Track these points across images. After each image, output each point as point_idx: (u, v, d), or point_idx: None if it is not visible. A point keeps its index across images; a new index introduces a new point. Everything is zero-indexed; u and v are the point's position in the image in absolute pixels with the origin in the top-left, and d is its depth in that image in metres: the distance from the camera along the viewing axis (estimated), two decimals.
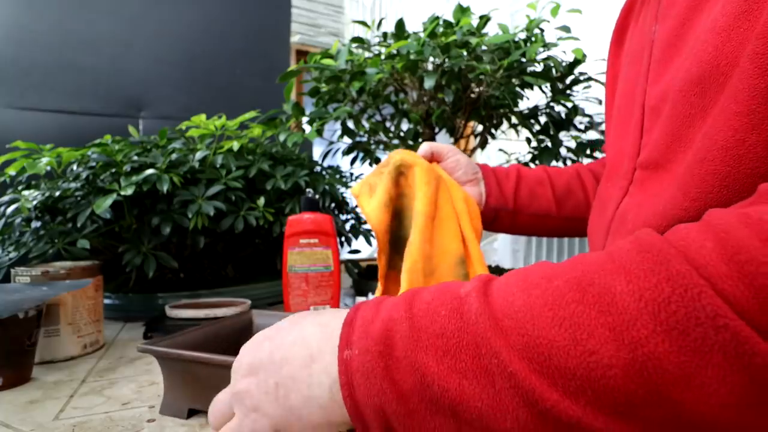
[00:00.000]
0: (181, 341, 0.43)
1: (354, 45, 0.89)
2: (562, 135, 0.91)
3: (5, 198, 0.76)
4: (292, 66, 1.10)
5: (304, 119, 0.90)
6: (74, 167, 0.79)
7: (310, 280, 0.66)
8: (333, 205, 0.94)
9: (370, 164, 0.98)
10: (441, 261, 0.54)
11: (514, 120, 0.93)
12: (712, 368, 0.20)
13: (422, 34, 0.83)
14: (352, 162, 0.99)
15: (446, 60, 0.78)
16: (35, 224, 0.74)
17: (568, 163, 0.93)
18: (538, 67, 0.83)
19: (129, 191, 0.67)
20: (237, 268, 0.95)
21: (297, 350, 0.28)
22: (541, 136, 0.92)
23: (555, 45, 0.81)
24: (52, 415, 0.41)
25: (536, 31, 0.83)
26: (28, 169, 0.70)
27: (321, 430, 0.28)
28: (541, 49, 0.80)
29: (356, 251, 1.02)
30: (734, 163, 0.30)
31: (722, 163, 0.30)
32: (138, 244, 0.73)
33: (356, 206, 1.04)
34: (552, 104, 0.91)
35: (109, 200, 0.67)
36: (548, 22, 0.84)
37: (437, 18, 0.83)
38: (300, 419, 0.27)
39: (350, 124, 0.94)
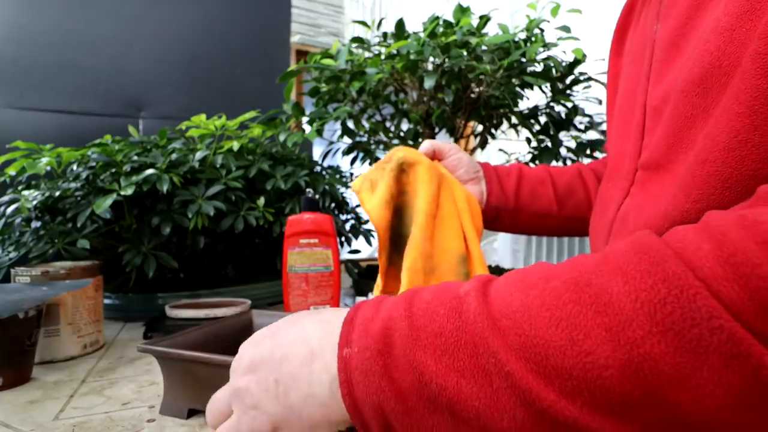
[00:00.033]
0: (181, 341, 0.43)
1: (354, 45, 0.89)
2: (562, 135, 0.91)
3: (5, 198, 0.76)
4: (292, 66, 1.10)
5: (304, 119, 0.90)
6: (74, 167, 0.79)
7: (310, 280, 0.66)
8: (333, 205, 0.94)
9: (370, 164, 0.98)
10: (442, 259, 0.53)
11: (514, 120, 0.93)
12: (708, 369, 0.20)
13: (422, 34, 0.83)
14: (352, 162, 0.99)
15: (446, 60, 0.78)
16: (35, 224, 0.74)
17: (568, 163, 0.93)
18: (538, 67, 0.83)
19: (129, 191, 0.67)
20: (237, 268, 0.95)
21: (297, 348, 0.29)
22: (541, 136, 0.92)
23: (555, 45, 0.81)
24: (52, 415, 0.41)
25: (536, 31, 0.83)
26: (28, 169, 0.70)
27: (320, 428, 0.28)
28: (541, 49, 0.80)
29: (356, 251, 1.02)
30: (736, 164, 0.29)
31: (724, 165, 0.30)
32: (138, 244, 0.73)
33: (356, 206, 1.04)
34: (552, 104, 0.91)
35: (109, 200, 0.67)
36: (548, 22, 0.84)
37: (437, 18, 0.83)
38: (300, 417, 0.27)
39: (350, 124, 0.94)
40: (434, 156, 0.63)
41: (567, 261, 0.25)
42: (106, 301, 0.76)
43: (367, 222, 1.03)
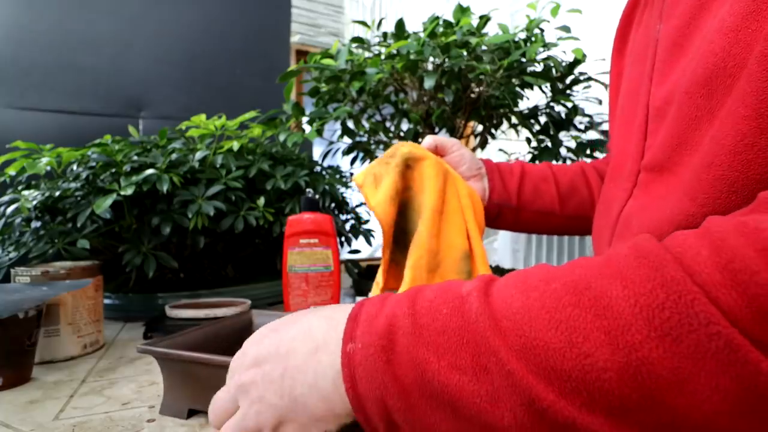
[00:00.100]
0: (181, 341, 0.43)
1: (354, 45, 0.89)
2: (562, 135, 0.91)
3: (5, 198, 0.76)
4: (292, 66, 1.10)
5: (304, 119, 0.90)
6: (74, 167, 0.79)
7: (310, 280, 0.66)
8: (333, 205, 0.94)
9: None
10: (446, 255, 0.53)
11: (514, 120, 0.93)
12: (705, 375, 0.20)
13: (422, 34, 0.83)
14: (352, 162, 0.99)
15: (446, 60, 0.78)
16: (35, 224, 0.74)
17: (569, 163, 0.93)
18: (538, 67, 0.83)
19: (129, 191, 0.67)
20: (237, 268, 0.95)
21: (302, 342, 0.29)
22: (541, 136, 0.92)
23: (555, 45, 0.81)
24: (52, 415, 0.41)
25: (536, 31, 0.83)
26: (28, 169, 0.70)
27: (325, 421, 0.28)
28: (541, 49, 0.80)
29: (356, 251, 1.02)
30: (742, 168, 0.29)
31: (730, 168, 0.30)
32: (138, 244, 0.73)
33: (356, 206, 1.04)
34: (552, 104, 0.91)
35: (109, 200, 0.67)
36: (548, 22, 0.84)
37: (437, 18, 0.83)
38: (305, 409, 0.28)
39: (350, 124, 0.94)
40: (436, 152, 0.63)
41: (567, 263, 0.26)
42: (106, 301, 0.76)
43: (367, 222, 1.03)
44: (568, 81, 0.88)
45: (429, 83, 0.75)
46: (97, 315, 0.60)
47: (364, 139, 0.95)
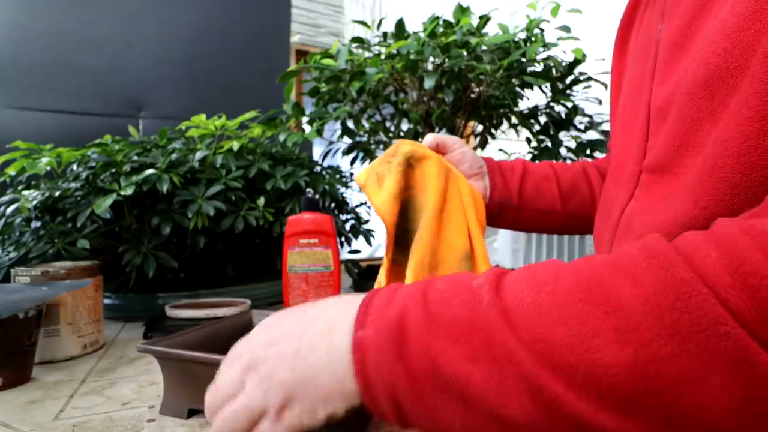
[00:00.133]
0: (181, 341, 0.43)
1: (354, 45, 0.89)
2: (562, 135, 0.91)
3: (5, 198, 0.76)
4: (292, 66, 1.10)
5: (304, 119, 0.91)
6: (74, 167, 0.79)
7: (310, 280, 0.66)
8: (333, 205, 0.94)
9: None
10: (447, 255, 0.53)
11: (514, 120, 0.93)
12: (714, 374, 0.20)
13: (422, 34, 0.83)
14: (352, 162, 0.99)
15: (446, 60, 0.78)
16: (35, 224, 0.74)
17: (569, 162, 0.93)
18: (538, 67, 0.83)
19: (129, 191, 0.67)
20: (237, 268, 0.95)
21: (318, 322, 0.29)
22: (541, 136, 0.92)
23: (555, 45, 0.81)
24: (52, 415, 0.41)
25: (536, 31, 0.83)
26: (28, 169, 0.70)
27: (333, 400, 0.28)
28: (541, 49, 0.80)
29: (356, 251, 1.02)
30: (746, 170, 0.29)
31: (733, 171, 0.30)
32: (138, 244, 0.73)
33: (356, 206, 1.04)
34: (552, 104, 0.91)
35: (109, 200, 0.67)
36: (548, 22, 0.84)
37: (437, 18, 0.83)
38: (315, 387, 0.28)
39: (350, 124, 0.94)
40: (438, 150, 0.63)
41: (577, 260, 0.26)
42: (106, 301, 0.76)
43: (367, 222, 1.03)
44: (568, 81, 0.88)
45: (429, 83, 0.75)
46: (97, 315, 0.60)
47: (364, 139, 0.95)
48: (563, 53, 0.86)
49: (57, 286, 0.54)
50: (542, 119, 0.92)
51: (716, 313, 0.20)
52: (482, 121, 0.92)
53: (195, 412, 0.40)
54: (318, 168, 0.98)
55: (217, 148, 0.82)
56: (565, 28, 0.83)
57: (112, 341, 0.65)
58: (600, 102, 0.93)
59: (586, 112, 0.92)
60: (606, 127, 0.94)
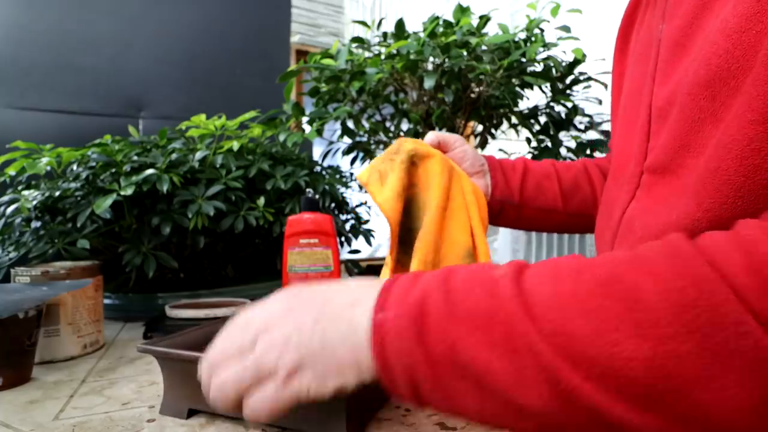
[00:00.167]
0: (181, 341, 0.43)
1: (354, 45, 0.89)
2: (562, 135, 0.91)
3: (5, 198, 0.76)
4: (292, 66, 1.10)
5: (304, 119, 0.91)
6: (74, 167, 0.79)
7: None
8: (333, 205, 0.94)
9: None
10: (449, 252, 0.53)
11: (514, 120, 0.93)
12: (733, 373, 0.20)
13: (422, 34, 0.83)
14: (352, 162, 0.99)
15: (446, 60, 0.78)
16: (35, 224, 0.74)
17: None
18: (538, 67, 0.83)
19: (129, 191, 0.67)
20: (237, 268, 0.95)
21: (342, 295, 0.30)
22: (541, 136, 0.92)
23: (555, 45, 0.81)
24: (52, 415, 0.41)
25: (536, 31, 0.83)
26: (28, 169, 0.70)
27: (348, 371, 0.28)
28: (541, 49, 0.80)
29: (356, 251, 1.02)
30: (750, 173, 0.29)
31: (736, 173, 0.30)
32: (138, 244, 0.73)
33: (356, 206, 1.04)
34: (552, 104, 0.91)
35: (109, 200, 0.67)
36: (548, 22, 0.84)
37: (437, 18, 0.83)
38: (332, 356, 0.28)
39: (350, 124, 0.94)
40: (439, 148, 0.63)
41: (598, 256, 0.26)
42: (106, 301, 0.76)
43: (367, 222, 1.03)
44: (568, 81, 0.88)
45: (429, 83, 0.75)
46: (97, 315, 0.60)
47: (364, 139, 0.95)
48: (563, 53, 0.86)
49: (57, 286, 0.54)
50: (542, 119, 0.92)
51: (738, 313, 0.20)
52: (482, 121, 0.92)
53: (195, 412, 0.40)
54: (318, 168, 0.98)
55: (217, 148, 0.82)
56: (565, 28, 0.83)
57: (112, 341, 0.65)
58: (600, 102, 0.93)
59: (586, 112, 0.92)
60: (606, 127, 0.94)
